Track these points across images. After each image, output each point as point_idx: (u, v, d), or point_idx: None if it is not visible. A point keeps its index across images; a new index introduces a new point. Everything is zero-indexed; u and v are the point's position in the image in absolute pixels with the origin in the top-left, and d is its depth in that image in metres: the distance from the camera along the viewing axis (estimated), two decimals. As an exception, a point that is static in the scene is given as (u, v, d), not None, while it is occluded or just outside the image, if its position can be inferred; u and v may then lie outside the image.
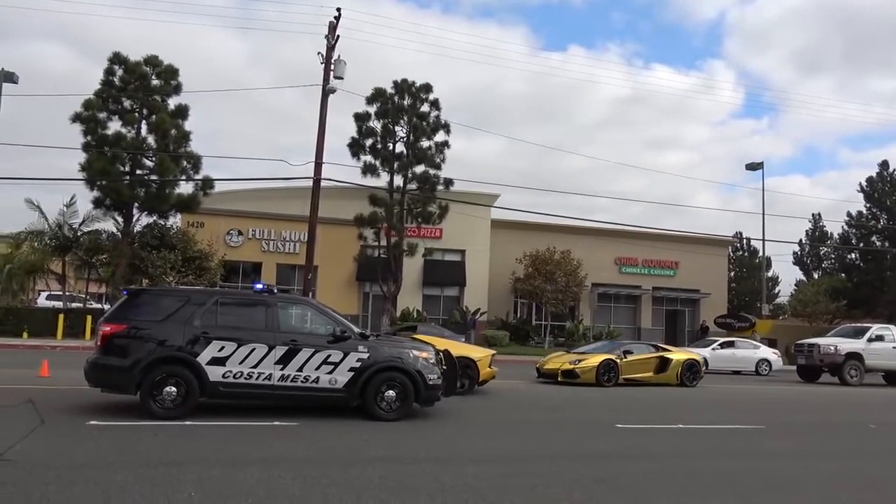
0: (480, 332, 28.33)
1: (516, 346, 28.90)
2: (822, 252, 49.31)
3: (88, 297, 34.80)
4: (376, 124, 27.43)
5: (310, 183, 22.06)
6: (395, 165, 27.14)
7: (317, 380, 8.94)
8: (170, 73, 25.42)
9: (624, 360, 16.57)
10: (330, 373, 8.99)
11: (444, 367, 10.34)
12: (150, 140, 25.01)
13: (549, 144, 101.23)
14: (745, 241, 52.06)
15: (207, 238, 27.02)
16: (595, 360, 16.29)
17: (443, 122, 27.75)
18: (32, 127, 65.23)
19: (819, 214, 50.35)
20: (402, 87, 27.61)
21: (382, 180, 27.22)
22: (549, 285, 31.49)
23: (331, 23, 22.07)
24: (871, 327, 22.63)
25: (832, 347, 21.11)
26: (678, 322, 38.08)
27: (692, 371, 17.36)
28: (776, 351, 24.98)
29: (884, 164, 43.10)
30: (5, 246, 31.55)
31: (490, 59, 67.47)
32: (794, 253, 50.37)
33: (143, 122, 25.01)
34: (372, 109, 27.33)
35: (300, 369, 8.89)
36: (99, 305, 29.42)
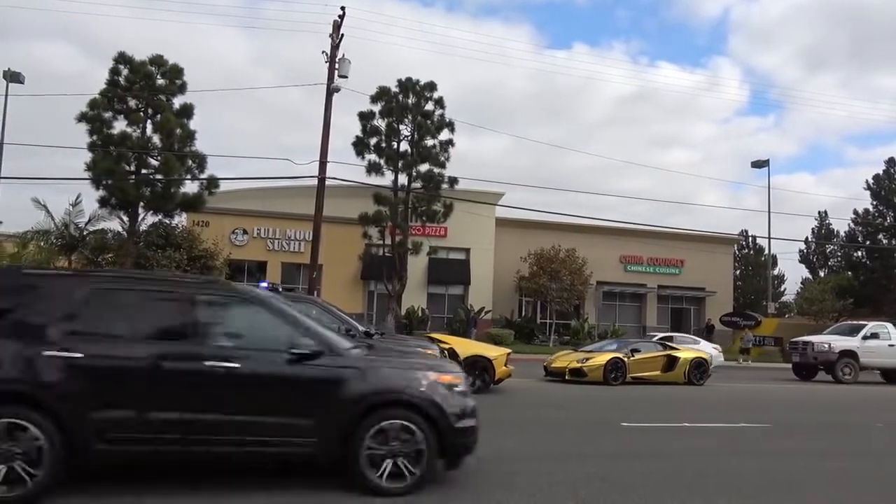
0: (484, 331, 28.31)
1: (521, 344, 28.86)
2: (828, 250, 49.11)
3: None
4: (381, 123, 27.43)
5: (314, 182, 22.06)
6: (400, 164, 27.13)
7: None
8: (175, 73, 25.44)
9: (631, 358, 16.58)
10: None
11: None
12: (156, 139, 25.03)
13: (553, 143, 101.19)
14: (750, 239, 51.95)
15: (212, 237, 27.07)
16: (602, 358, 16.30)
17: (447, 120, 27.74)
18: (39, 127, 65.47)
19: (825, 212, 50.20)
20: (407, 85, 27.59)
21: (387, 179, 27.25)
22: (554, 284, 31.45)
23: (335, 21, 22.08)
24: (866, 325, 22.49)
25: (826, 345, 20.97)
26: (683, 321, 37.98)
27: (700, 370, 17.34)
28: (717, 346, 24.44)
29: (891, 162, 42.89)
30: (12, 245, 31.67)
31: (494, 57, 67.51)
32: (800, 251, 50.25)
33: (149, 121, 25.04)
34: (376, 108, 27.33)
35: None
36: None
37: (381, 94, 27.26)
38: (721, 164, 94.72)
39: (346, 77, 21.89)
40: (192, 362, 5.16)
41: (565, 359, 17.09)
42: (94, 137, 24.19)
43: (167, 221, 26.10)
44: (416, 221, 27.92)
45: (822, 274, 47.96)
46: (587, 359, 16.43)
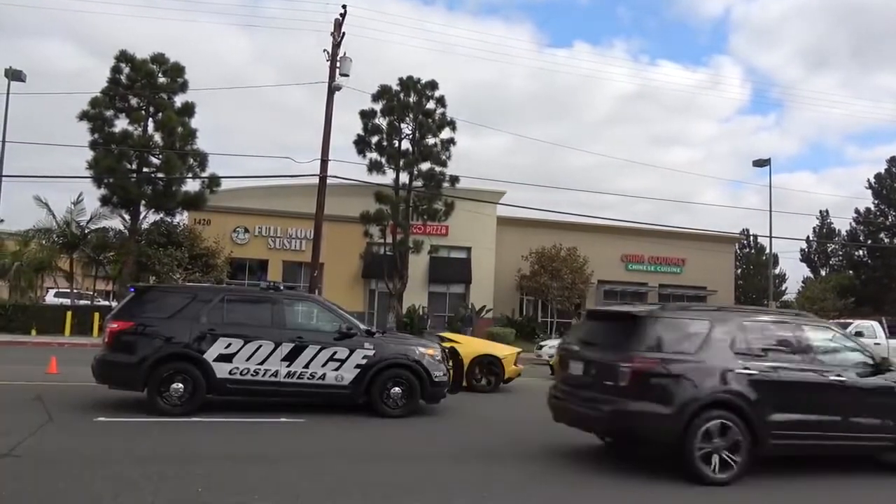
0: (486, 330, 28.31)
1: (522, 343, 28.83)
2: (829, 249, 49.04)
3: (96, 294, 34.98)
4: (382, 121, 27.42)
5: (316, 180, 22.07)
6: (401, 163, 27.12)
7: (323, 376, 8.97)
8: (176, 71, 25.46)
9: None
10: (336, 369, 9.02)
11: (451, 364, 10.35)
12: (157, 138, 25.05)
13: (555, 141, 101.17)
14: (752, 238, 51.85)
15: (214, 235, 27.08)
16: None
17: (448, 119, 27.71)
18: (40, 125, 65.50)
19: (827, 211, 50.09)
20: (408, 84, 27.58)
21: (388, 177, 27.24)
22: (555, 282, 31.44)
23: (336, 20, 22.07)
24: (852, 323, 22.39)
25: None
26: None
27: None
28: None
29: (892, 161, 42.81)
30: (14, 243, 31.71)
31: (496, 55, 67.47)
32: (802, 250, 50.14)
33: (150, 119, 25.06)
34: (378, 107, 27.31)
35: (306, 366, 8.92)
36: (106, 303, 29.55)
37: (383, 93, 27.25)
38: (722, 163, 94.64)
39: (347, 75, 21.88)
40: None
41: None
42: (96, 136, 24.22)
43: (169, 220, 26.13)
44: (417, 220, 27.92)
45: (823, 273, 47.89)
46: None
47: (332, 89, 21.86)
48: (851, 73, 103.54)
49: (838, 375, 6.72)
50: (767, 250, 41.34)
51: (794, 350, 6.75)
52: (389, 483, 5.81)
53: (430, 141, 27.60)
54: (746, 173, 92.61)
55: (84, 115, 24.09)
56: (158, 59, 25.41)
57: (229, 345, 8.72)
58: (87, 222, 28.53)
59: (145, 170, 25.00)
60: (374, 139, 27.25)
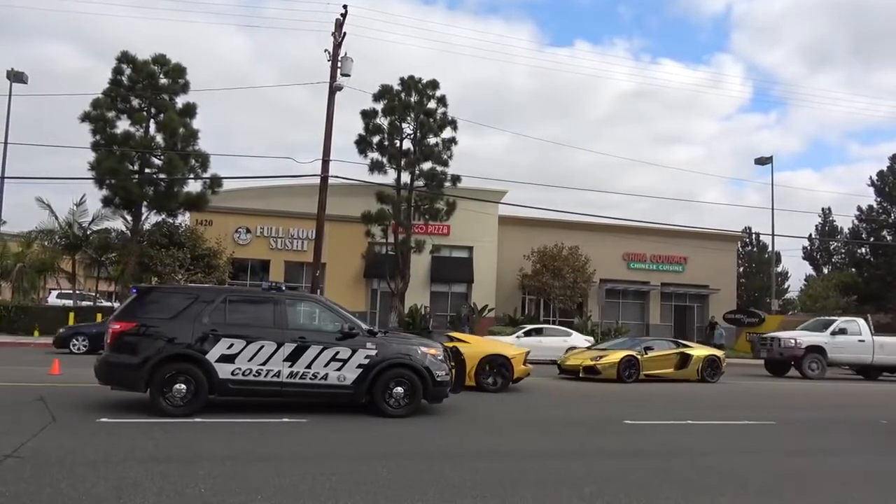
0: (487, 329, 28.30)
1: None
2: (831, 247, 48.99)
3: (98, 295, 35.03)
4: (383, 121, 27.43)
5: (317, 180, 22.08)
6: (403, 162, 27.13)
7: (325, 377, 8.97)
8: (177, 72, 25.49)
9: (645, 356, 16.65)
10: (338, 370, 9.01)
11: (453, 364, 10.34)
12: (159, 139, 25.10)
13: (556, 140, 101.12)
14: (754, 236, 51.81)
15: (216, 236, 27.12)
16: (616, 356, 16.35)
17: (450, 118, 27.72)
18: (42, 127, 65.63)
19: (829, 209, 50.05)
20: (409, 83, 27.58)
21: (390, 177, 27.25)
22: (557, 281, 31.42)
23: (337, 20, 22.08)
24: (836, 320, 22.34)
25: (793, 341, 20.81)
26: (687, 318, 37.92)
27: (713, 367, 17.42)
28: (589, 339, 24.19)
29: (894, 158, 42.73)
30: (17, 245, 31.79)
31: (497, 55, 67.44)
32: (804, 248, 50.11)
33: (152, 120, 25.10)
34: (379, 106, 27.32)
35: (309, 366, 8.92)
36: (109, 303, 29.61)
37: (384, 93, 27.25)
38: (724, 161, 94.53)
39: (348, 75, 21.89)
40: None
41: (579, 357, 17.16)
42: (98, 137, 24.28)
43: (170, 221, 26.19)
44: (418, 220, 27.92)
45: (825, 271, 47.85)
46: (601, 357, 16.50)
47: (334, 89, 21.87)
48: (853, 70, 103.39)
49: None
50: (770, 248, 41.39)
51: None
52: (392, 483, 5.80)
53: (432, 140, 27.61)
54: (748, 171, 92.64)
55: (86, 117, 24.14)
56: (160, 60, 25.46)
57: (231, 345, 8.72)
58: (90, 223, 28.62)
59: (147, 171, 25.04)
60: (376, 139, 27.26)
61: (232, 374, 8.68)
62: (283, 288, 9.86)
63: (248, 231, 30.74)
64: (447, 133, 27.69)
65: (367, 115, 27.33)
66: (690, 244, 36.14)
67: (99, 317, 21.77)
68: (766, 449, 8.26)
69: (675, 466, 6.97)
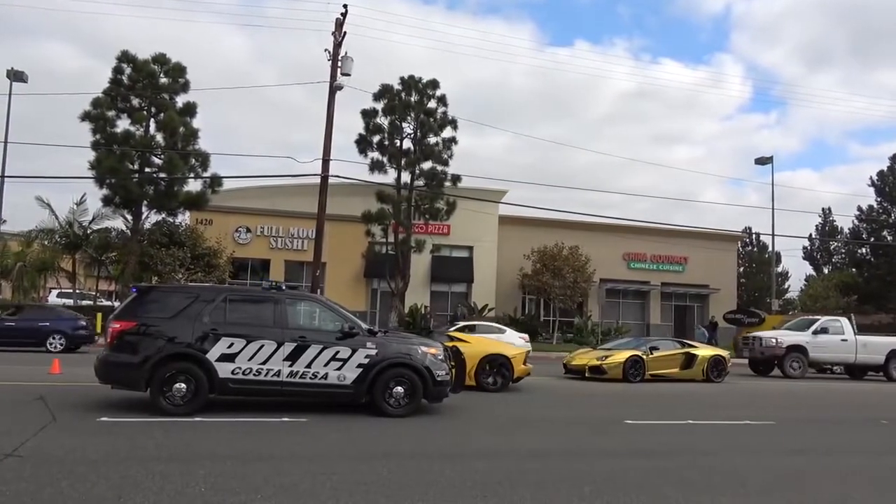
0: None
1: (524, 342, 28.81)
2: (832, 247, 48.99)
3: (98, 294, 35.02)
4: (384, 121, 27.43)
5: (317, 180, 22.08)
6: (403, 162, 27.12)
7: (325, 376, 8.97)
8: (177, 72, 25.50)
9: (650, 356, 16.69)
10: (338, 369, 9.01)
11: (453, 364, 10.34)
12: (159, 138, 25.10)
13: (557, 140, 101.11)
14: (754, 236, 51.80)
15: (216, 235, 27.12)
16: (622, 356, 16.39)
17: (450, 118, 27.71)
18: (42, 126, 65.63)
19: (829, 209, 50.03)
20: (409, 83, 27.58)
21: (390, 177, 27.25)
22: (558, 281, 31.42)
23: (337, 19, 22.07)
24: (818, 319, 22.33)
25: (773, 340, 20.79)
26: (687, 318, 37.92)
27: (718, 367, 17.47)
28: (524, 336, 24.01)
29: (895, 158, 42.71)
30: (17, 244, 31.79)
31: (497, 54, 67.44)
32: (804, 248, 50.10)
33: (152, 120, 25.10)
34: (379, 106, 27.32)
35: (309, 366, 8.92)
36: (109, 303, 29.62)
37: (384, 92, 27.25)
38: (724, 161, 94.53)
39: (348, 75, 21.89)
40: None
41: (585, 356, 17.20)
42: (98, 136, 24.27)
43: (170, 220, 26.19)
44: (419, 219, 27.91)
45: (825, 271, 47.85)
46: (606, 356, 16.54)
47: (334, 89, 21.86)
48: (852, 69, 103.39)
49: None
50: (770, 248, 41.38)
51: None
52: (392, 483, 5.80)
53: (432, 140, 27.60)
54: (748, 171, 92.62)
55: (86, 116, 24.14)
56: (160, 59, 25.46)
57: (232, 344, 8.72)
58: (90, 223, 28.62)
59: (147, 170, 25.05)
60: (376, 138, 27.26)
61: (232, 373, 8.69)
62: (284, 287, 9.86)
63: (248, 230, 30.73)
64: (447, 132, 27.72)
65: (368, 115, 27.33)
66: (691, 244, 36.14)
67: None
68: (766, 448, 8.26)
69: (675, 466, 6.96)
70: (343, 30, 22.03)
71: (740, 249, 48.19)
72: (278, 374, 8.83)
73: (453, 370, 10.23)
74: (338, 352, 9.02)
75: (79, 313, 20.50)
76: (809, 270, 50.50)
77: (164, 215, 25.86)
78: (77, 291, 31.80)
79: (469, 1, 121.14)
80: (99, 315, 22.95)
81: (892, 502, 6.22)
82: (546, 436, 8.68)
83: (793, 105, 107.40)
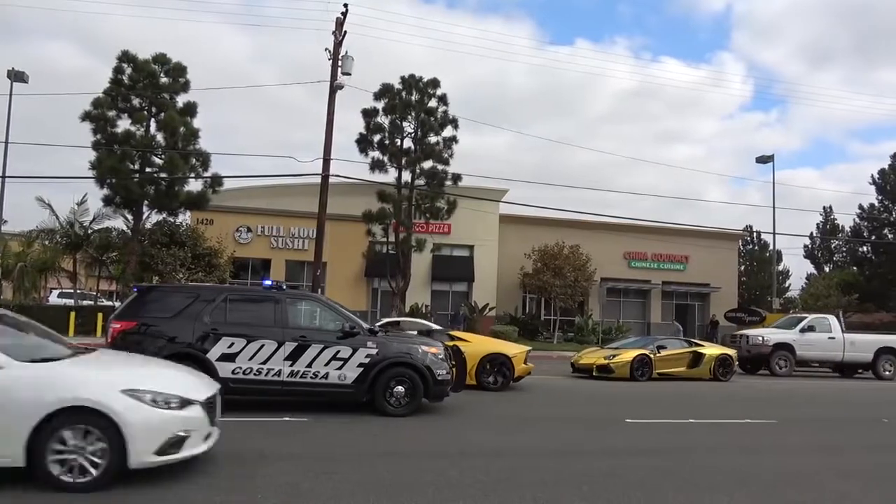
0: (489, 328, 28.30)
1: (525, 341, 28.81)
2: (833, 245, 48.92)
3: (99, 294, 35.04)
4: (384, 120, 27.40)
5: (318, 179, 22.06)
6: (404, 161, 27.10)
7: (326, 375, 8.98)
8: (178, 71, 25.47)
9: (657, 355, 16.76)
10: (339, 368, 9.02)
11: (454, 363, 10.35)
12: (160, 138, 25.06)
13: (557, 139, 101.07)
14: (755, 234, 51.73)
15: (216, 235, 27.11)
16: (629, 355, 16.48)
17: (451, 117, 27.67)
18: (43, 126, 65.68)
19: (830, 207, 49.93)
20: (410, 82, 27.55)
21: (391, 176, 27.21)
22: (558, 280, 31.39)
23: (338, 19, 22.06)
24: (806, 317, 22.33)
25: (760, 338, 20.80)
26: (688, 317, 37.89)
27: (725, 366, 17.54)
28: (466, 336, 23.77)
29: (895, 156, 42.67)
30: (17, 244, 31.80)
31: (497, 53, 67.42)
32: (805, 246, 50.02)
33: (152, 119, 25.07)
34: (380, 105, 27.29)
35: (309, 365, 8.93)
36: (110, 303, 29.63)
37: (385, 91, 27.23)
38: (725, 159, 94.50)
39: (349, 74, 21.86)
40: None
41: (592, 356, 17.28)
42: (99, 136, 24.25)
43: (171, 220, 26.16)
44: (419, 218, 27.90)
45: (827, 269, 47.79)
46: (614, 356, 16.62)
47: (334, 88, 21.85)
48: (854, 68, 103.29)
49: None
50: (771, 247, 41.37)
51: None
52: (393, 482, 5.81)
53: (433, 139, 27.58)
54: (750, 170, 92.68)
55: (86, 116, 24.12)
56: (160, 59, 25.43)
57: (232, 344, 8.73)
58: (90, 223, 28.60)
59: (148, 170, 25.03)
60: (377, 138, 27.23)
61: (233, 372, 8.70)
62: (284, 287, 9.87)
63: (248, 230, 30.73)
64: (448, 132, 27.67)
65: (368, 114, 27.31)
66: (692, 243, 36.11)
67: None
68: (767, 447, 8.27)
69: (674, 465, 6.97)
70: (343, 29, 22.02)
71: (741, 248, 48.14)
72: (279, 373, 8.84)
73: (454, 369, 10.23)
74: (338, 351, 9.03)
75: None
76: (810, 269, 50.46)
77: (164, 215, 25.83)
78: (78, 291, 31.81)
79: (468, 0, 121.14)
80: (100, 315, 22.96)
81: (893, 501, 6.22)
82: (547, 435, 8.68)
83: (794, 104, 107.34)
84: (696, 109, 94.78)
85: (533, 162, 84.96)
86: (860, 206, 43.34)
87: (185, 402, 5.39)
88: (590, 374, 16.45)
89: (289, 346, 8.88)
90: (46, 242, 29.67)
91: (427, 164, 27.32)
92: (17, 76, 26.83)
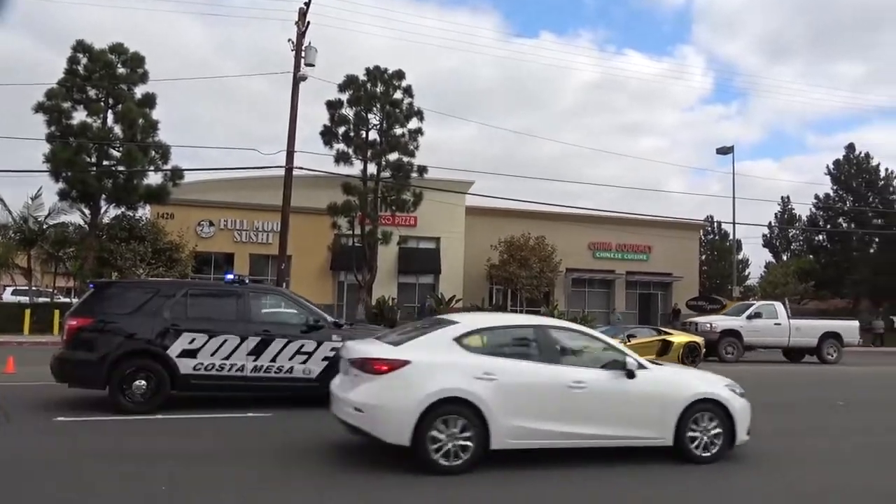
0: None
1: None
2: (790, 234, 50.17)
3: (55, 291, 34.08)
4: (349, 112, 27.15)
5: (282, 172, 21.79)
6: (369, 153, 26.92)
7: (291, 370, 8.90)
8: (136, 61, 24.83)
9: (628, 343, 17.00)
10: (304, 363, 8.94)
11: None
12: (117, 130, 24.43)
13: (523, 131, 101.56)
14: (716, 224, 52.81)
15: (178, 229, 26.59)
16: None
17: (416, 109, 27.57)
18: (-6, 117, 63.33)
19: (788, 197, 51.15)
20: (375, 74, 27.33)
21: (356, 168, 27.00)
22: (524, 271, 31.61)
23: (301, 9, 21.76)
24: (753, 304, 22.95)
25: (708, 325, 21.37)
26: (651, 306, 38.56)
27: (693, 353, 18.03)
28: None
29: (850, 147, 43.95)
30: (-33, 240, 30.70)
31: (463, 45, 67.29)
32: (764, 235, 51.22)
33: (109, 111, 24.42)
34: (344, 97, 27.03)
35: (273, 360, 8.83)
36: (66, 299, 28.85)
37: (349, 83, 26.97)
38: (687, 151, 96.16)
39: (312, 65, 21.60)
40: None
41: None
42: (53, 128, 23.54)
43: (130, 214, 25.56)
44: (385, 211, 27.77)
45: (784, 258, 49.02)
46: None
47: (298, 79, 21.57)
48: (811, 62, 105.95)
49: None
50: (731, 236, 42.26)
51: None
52: (360, 477, 5.78)
53: (398, 131, 27.44)
54: (710, 161, 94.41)
55: (40, 108, 23.37)
56: (117, 49, 24.76)
57: (193, 340, 8.59)
58: (46, 217, 27.71)
59: (105, 163, 24.40)
60: (341, 130, 26.98)
61: (194, 369, 8.55)
62: (247, 281, 9.73)
63: (211, 224, 30.22)
64: (413, 123, 27.55)
65: (333, 106, 27.02)
66: (654, 233, 36.71)
67: None
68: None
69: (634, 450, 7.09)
70: (307, 20, 21.72)
71: (702, 238, 49.10)
72: (242, 368, 8.72)
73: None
74: (303, 345, 8.95)
75: None
76: (769, 257, 51.68)
77: (123, 209, 25.21)
78: (33, 288, 30.89)
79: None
80: (56, 312, 22.35)
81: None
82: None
83: (753, 96, 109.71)
84: (659, 102, 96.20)
85: (499, 154, 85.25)
86: (816, 196, 44.56)
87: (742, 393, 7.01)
88: None
89: (252, 341, 8.77)
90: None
91: (393, 157, 27.18)
92: (-36, 66, 25.84)
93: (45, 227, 27.78)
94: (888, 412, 10.95)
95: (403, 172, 26.94)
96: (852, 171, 43.05)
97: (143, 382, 8.33)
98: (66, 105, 23.88)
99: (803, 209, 49.39)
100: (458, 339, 6.13)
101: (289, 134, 21.42)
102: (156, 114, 24.99)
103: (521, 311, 33.39)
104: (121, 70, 24.74)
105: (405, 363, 5.81)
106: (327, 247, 30.12)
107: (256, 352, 8.77)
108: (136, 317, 8.59)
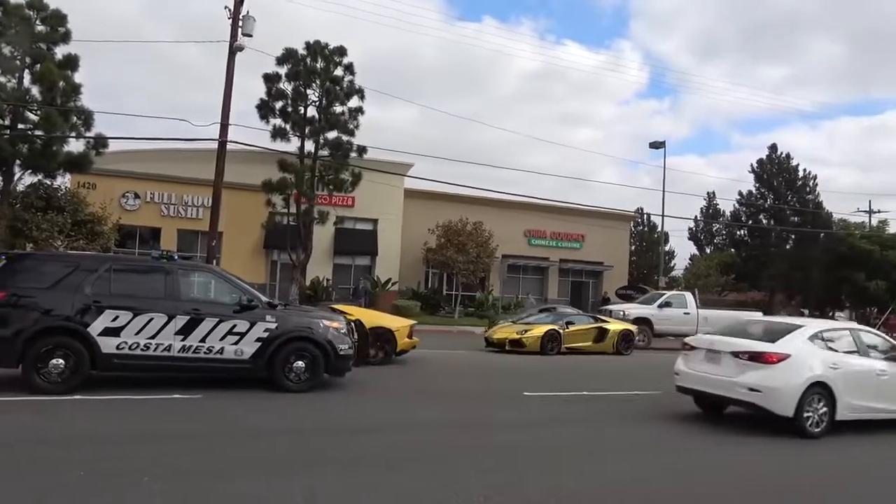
0: (391, 303, 28.25)
1: (426, 315, 29.04)
2: (714, 228, 52.29)
3: (-37, 261, 31.98)
4: (287, 87, 26.33)
5: (214, 145, 20.96)
6: (307, 130, 26.25)
7: (221, 350, 8.60)
8: (57, 19, 23.24)
9: (566, 330, 17.48)
10: (235, 343, 8.66)
11: (356, 337, 10.20)
12: (35, 92, 22.89)
13: (463, 115, 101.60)
14: (645, 216, 54.49)
15: (100, 200, 25.25)
16: (540, 330, 17.10)
17: (357, 87, 27.03)
18: None
19: (713, 193, 53.25)
20: (315, 48, 26.59)
21: (293, 145, 26.27)
22: (461, 256, 31.75)
23: (239, -25, 20.85)
24: (665, 294, 24.10)
25: (621, 312, 22.24)
26: (583, 293, 39.53)
27: (626, 341, 18.61)
28: None
29: (773, 148, 45.99)
30: None
31: (405, 24, 66.39)
32: (690, 229, 53.20)
33: (26, 71, 22.84)
34: (282, 71, 26.18)
35: (203, 340, 8.50)
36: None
37: (288, 57, 26.15)
38: (621, 143, 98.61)
39: (250, 36, 20.77)
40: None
41: (505, 330, 17.74)
42: (-39, 86, 21.83)
43: (48, 182, 24.09)
44: (322, 190, 27.22)
45: (708, 251, 51.11)
46: (526, 330, 17.18)
47: (234, 50, 20.72)
48: (738, 62, 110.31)
49: None
50: (659, 228, 43.68)
51: None
52: (292, 460, 5.64)
53: (338, 109, 26.85)
54: (643, 154, 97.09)
55: (-54, 63, 21.62)
56: (35, 4, 23.08)
57: (116, 317, 8.16)
58: (-48, 183, 25.83)
59: (21, 126, 22.85)
60: (279, 104, 26.18)
61: (117, 348, 8.14)
62: (176, 257, 9.31)
63: (136, 196, 28.89)
64: (354, 102, 27.00)
65: (270, 80, 26.16)
66: (588, 222, 37.54)
67: None
68: (649, 416, 8.75)
69: (566, 435, 7.22)
70: (245, -13, 20.84)
71: (632, 229, 50.61)
72: (169, 348, 8.36)
73: (356, 344, 10.08)
74: (235, 325, 8.66)
75: None
76: (693, 250, 53.79)
77: (40, 177, 23.69)
78: (-63, 258, 28.87)
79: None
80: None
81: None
82: (447, 408, 8.74)
83: (684, 93, 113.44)
84: (597, 94, 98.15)
85: (439, 137, 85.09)
86: (740, 193, 46.44)
87: None
88: (502, 348, 16.98)
89: (181, 320, 8.41)
90: None
91: (331, 135, 26.61)
92: None
93: (-49, 193, 25.90)
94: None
95: (342, 151, 26.43)
96: (774, 170, 45.12)
97: (61, 361, 7.86)
98: (-23, 62, 22.18)
99: (727, 205, 51.55)
100: (811, 339, 8.15)
101: (223, 106, 20.59)
102: (78, 77, 23.47)
103: (456, 295, 33.67)
104: (40, 27, 23.15)
105: (787, 356, 7.74)
106: (261, 225, 29.31)
107: (185, 331, 8.42)
108: (54, 292, 8.08)
